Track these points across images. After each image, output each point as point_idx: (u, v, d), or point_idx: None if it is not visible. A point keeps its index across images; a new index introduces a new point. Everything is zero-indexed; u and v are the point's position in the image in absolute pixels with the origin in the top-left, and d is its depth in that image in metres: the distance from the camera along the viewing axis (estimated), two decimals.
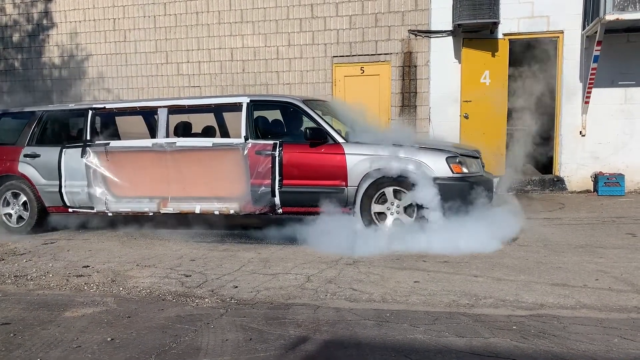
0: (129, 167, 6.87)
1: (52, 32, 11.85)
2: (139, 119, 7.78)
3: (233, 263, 5.45)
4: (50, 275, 5.25)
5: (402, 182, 5.84)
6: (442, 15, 9.65)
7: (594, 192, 9.23)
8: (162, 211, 6.72)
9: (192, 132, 7.23)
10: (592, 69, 8.70)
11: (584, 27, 9.11)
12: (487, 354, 3.15)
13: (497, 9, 8.95)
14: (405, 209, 5.92)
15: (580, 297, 4.09)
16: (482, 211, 5.92)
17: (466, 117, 9.75)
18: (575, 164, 9.46)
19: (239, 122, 6.48)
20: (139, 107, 7.43)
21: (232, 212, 6.46)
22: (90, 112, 7.13)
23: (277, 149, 6.25)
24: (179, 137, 6.82)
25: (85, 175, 6.96)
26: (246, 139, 6.39)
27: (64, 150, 7.10)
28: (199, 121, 7.46)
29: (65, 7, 11.69)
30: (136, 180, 6.82)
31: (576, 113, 9.36)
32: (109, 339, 3.59)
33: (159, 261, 5.66)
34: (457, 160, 5.94)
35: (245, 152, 6.35)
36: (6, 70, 12.18)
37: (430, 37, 9.80)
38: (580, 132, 9.36)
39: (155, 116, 6.97)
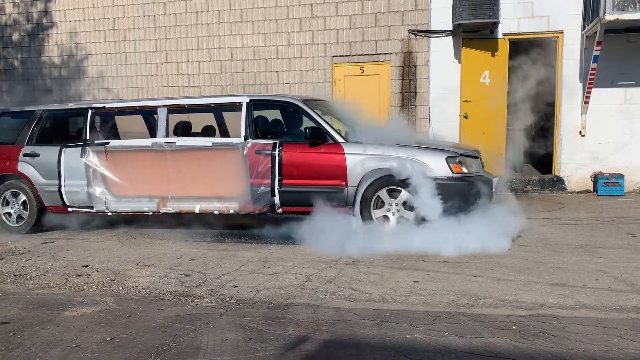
0: (129, 166, 6.87)
1: (51, 31, 11.85)
2: (139, 118, 7.78)
3: (232, 263, 5.45)
4: (50, 275, 5.25)
5: (401, 182, 5.84)
6: (442, 15, 9.65)
7: (593, 192, 9.23)
8: (161, 211, 6.71)
9: (192, 131, 7.23)
10: (592, 69, 8.70)
11: (583, 27, 9.11)
12: (487, 353, 3.15)
13: (497, 8, 8.95)
14: (405, 208, 5.91)
15: (579, 297, 4.09)
16: (482, 211, 5.93)
17: (466, 117, 9.75)
18: (574, 164, 9.46)
19: (239, 121, 6.48)
20: (138, 106, 7.43)
21: (231, 211, 6.46)
22: (89, 111, 7.13)
23: (277, 149, 6.24)
24: (178, 136, 6.82)
25: (84, 174, 6.95)
26: (246, 138, 6.39)
27: (63, 149, 7.10)
28: (198, 121, 7.46)
29: (64, 7, 11.68)
30: (136, 179, 6.82)
31: (576, 113, 9.36)
32: (108, 339, 3.59)
33: (158, 261, 5.66)
34: (457, 160, 5.94)
35: (245, 151, 6.35)
36: (6, 70, 12.18)
37: (430, 37, 9.80)
38: (580, 132, 9.36)
39: (155, 116, 6.97)
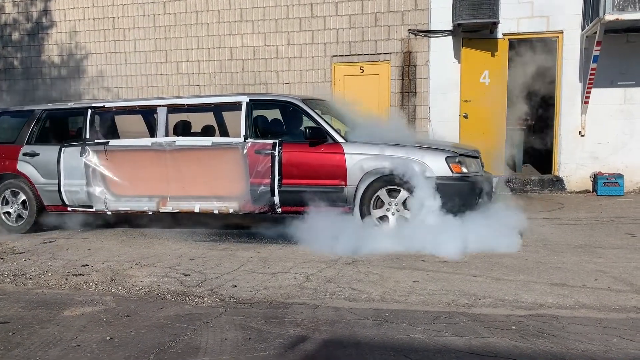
0: (128, 166, 6.87)
1: (51, 30, 11.84)
2: (138, 117, 7.77)
3: (232, 262, 5.45)
4: (49, 274, 5.24)
5: (401, 182, 5.83)
6: (441, 15, 9.65)
7: (593, 192, 9.23)
8: (161, 210, 6.71)
9: (192, 131, 7.22)
10: (592, 69, 8.70)
11: (583, 27, 9.11)
12: (486, 353, 3.15)
13: (496, 8, 8.95)
14: (405, 208, 5.91)
15: (579, 297, 4.09)
16: (481, 211, 5.93)
17: (465, 117, 9.75)
18: (574, 164, 9.46)
19: (239, 121, 6.48)
20: (138, 106, 7.43)
21: (231, 211, 6.46)
22: (89, 110, 7.13)
23: (277, 148, 6.24)
24: (178, 136, 6.82)
25: (84, 174, 6.95)
26: (245, 138, 6.39)
27: (63, 149, 7.09)
28: (198, 120, 7.46)
29: (64, 6, 11.67)
30: (135, 179, 6.82)
31: (576, 113, 9.36)
32: (108, 338, 3.59)
33: (158, 260, 5.66)
34: (457, 160, 5.94)
35: (245, 151, 6.35)
36: (5, 69, 12.17)
37: (430, 37, 9.80)
38: (580, 132, 9.36)
39: (155, 115, 6.97)
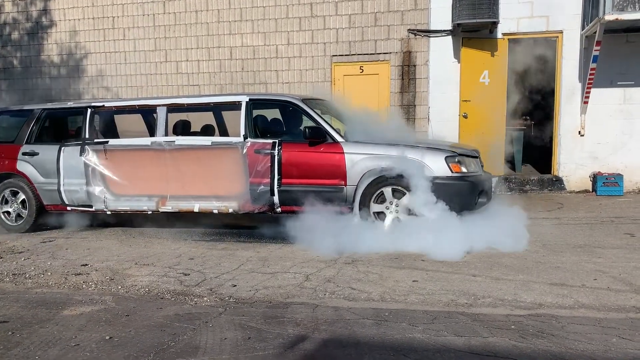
0: (128, 165, 6.86)
1: (51, 30, 11.83)
2: (138, 117, 7.77)
3: (232, 262, 5.45)
4: (49, 274, 5.24)
5: (401, 182, 5.84)
6: (441, 14, 9.65)
7: (592, 192, 9.23)
8: (160, 210, 6.71)
9: (191, 130, 7.22)
10: (592, 69, 8.70)
11: (583, 27, 9.11)
12: (486, 353, 3.16)
13: (496, 8, 8.96)
14: (404, 208, 5.90)
15: (578, 297, 4.09)
16: (481, 211, 5.93)
17: (465, 117, 9.75)
18: (574, 164, 9.46)
19: (238, 120, 6.48)
20: (138, 105, 7.43)
21: (231, 210, 6.46)
22: (89, 110, 7.13)
23: (276, 148, 6.24)
24: (177, 135, 6.82)
25: (83, 173, 6.95)
26: (245, 137, 6.39)
27: (62, 148, 7.09)
28: (198, 120, 7.46)
29: (64, 5, 11.67)
30: (135, 178, 6.81)
31: (575, 113, 9.36)
32: (107, 338, 3.59)
33: (157, 260, 5.65)
34: (456, 160, 5.94)
35: (244, 150, 6.35)
36: (5, 68, 12.16)
37: (430, 37, 9.80)
38: (579, 132, 9.36)
39: (154, 114, 6.96)
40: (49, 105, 7.77)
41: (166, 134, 6.75)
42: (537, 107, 10.99)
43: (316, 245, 5.66)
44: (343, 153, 6.05)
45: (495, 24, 9.18)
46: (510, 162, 10.44)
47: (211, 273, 5.07)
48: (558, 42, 9.40)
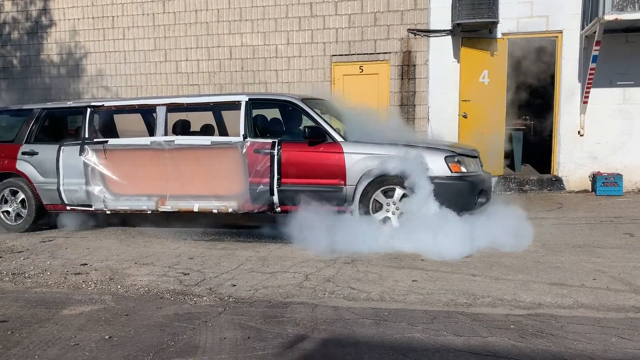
0: (127, 165, 6.86)
1: (50, 29, 11.83)
2: (138, 117, 7.77)
3: (231, 261, 5.45)
4: (48, 273, 5.24)
5: (400, 181, 5.84)
6: (441, 14, 9.65)
7: (592, 192, 9.24)
8: (160, 209, 6.71)
9: (191, 130, 7.22)
10: (591, 69, 8.70)
11: (582, 27, 9.11)
12: (485, 353, 3.16)
13: (496, 8, 8.96)
14: (404, 207, 5.90)
15: (578, 297, 4.10)
16: (480, 210, 5.93)
17: (465, 117, 9.75)
18: (573, 164, 9.46)
19: (238, 120, 6.48)
20: (137, 105, 7.43)
21: (230, 210, 6.46)
22: (88, 109, 7.13)
23: (276, 148, 6.24)
24: (177, 135, 6.82)
25: (83, 173, 6.95)
26: (245, 137, 6.39)
27: (62, 148, 7.09)
28: (197, 119, 7.46)
29: (63, 5, 11.66)
30: (134, 178, 6.81)
31: (575, 113, 9.36)
32: (106, 337, 3.59)
33: (157, 259, 5.66)
34: (456, 160, 5.94)
35: (244, 150, 6.35)
36: (4, 68, 12.16)
37: (430, 37, 9.80)
38: (579, 132, 9.36)
39: (154, 114, 6.96)
40: (49, 105, 7.77)
41: (166, 134, 6.75)
42: (536, 107, 11.00)
43: (315, 245, 5.66)
44: (342, 153, 6.05)
45: (494, 24, 9.18)
46: (510, 162, 10.45)
47: (211, 273, 5.07)
48: (558, 42, 9.40)
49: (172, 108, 6.90)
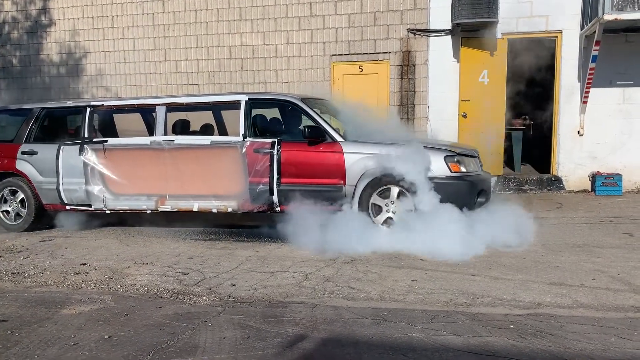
0: (127, 164, 6.86)
1: (50, 29, 11.82)
2: (137, 116, 7.77)
3: (231, 261, 5.45)
4: (48, 273, 5.24)
5: (400, 181, 5.84)
6: (441, 14, 9.65)
7: (591, 191, 9.24)
8: (160, 209, 6.71)
9: (191, 130, 7.22)
10: (591, 68, 8.71)
11: (582, 27, 9.12)
12: (485, 352, 3.16)
13: (496, 8, 8.96)
14: (405, 207, 5.89)
15: (577, 297, 4.10)
16: (480, 210, 5.93)
17: (464, 116, 9.76)
18: (573, 164, 9.47)
19: (238, 120, 6.48)
20: (137, 104, 7.43)
21: (230, 210, 6.46)
22: (88, 109, 7.12)
23: (276, 147, 6.24)
24: (177, 135, 6.82)
25: (83, 172, 6.94)
26: (244, 137, 6.39)
27: (61, 147, 7.09)
28: (197, 119, 7.46)
29: (63, 4, 11.66)
30: (134, 177, 6.81)
31: (574, 113, 9.37)
32: (106, 337, 3.59)
33: (156, 259, 5.65)
34: (455, 160, 5.95)
35: (244, 150, 6.35)
36: (4, 67, 12.16)
37: (429, 36, 9.80)
38: (578, 131, 9.37)
39: (154, 114, 6.96)
40: (48, 104, 7.77)
41: (165, 133, 6.74)
42: (536, 107, 10.99)
43: (315, 244, 5.66)
44: (342, 152, 6.05)
45: (494, 24, 9.18)
46: (509, 162, 10.45)
47: (210, 272, 5.07)
48: (557, 41, 9.40)
49: (171, 108, 6.90)
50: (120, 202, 6.88)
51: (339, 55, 10.26)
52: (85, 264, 5.55)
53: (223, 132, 7.55)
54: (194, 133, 7.20)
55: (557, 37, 9.39)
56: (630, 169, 9.17)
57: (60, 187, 7.06)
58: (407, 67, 9.94)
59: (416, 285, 4.48)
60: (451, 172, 5.84)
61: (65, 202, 7.10)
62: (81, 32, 11.63)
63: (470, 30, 9.42)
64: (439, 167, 5.83)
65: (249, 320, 3.79)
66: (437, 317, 3.74)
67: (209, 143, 6.58)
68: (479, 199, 6.00)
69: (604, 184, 8.95)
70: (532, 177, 9.78)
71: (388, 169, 5.86)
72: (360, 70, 10.22)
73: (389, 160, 5.86)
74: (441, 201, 5.63)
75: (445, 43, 9.74)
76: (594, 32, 8.38)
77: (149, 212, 6.80)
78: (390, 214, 5.97)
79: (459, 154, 6.07)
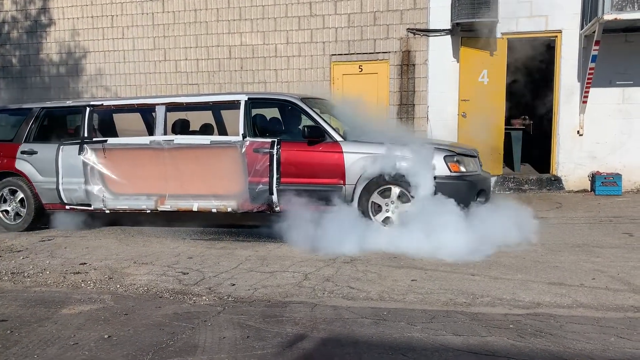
0: (127, 164, 6.86)
1: (50, 28, 11.82)
2: (137, 116, 7.77)
3: (230, 261, 5.45)
4: (47, 273, 5.24)
5: (399, 181, 5.84)
6: (440, 14, 9.65)
7: (591, 191, 9.24)
8: (159, 209, 6.71)
9: (190, 129, 7.22)
10: (590, 68, 8.71)
11: (582, 27, 9.12)
12: (484, 352, 3.16)
13: (495, 8, 8.96)
14: (405, 207, 5.90)
15: (577, 296, 4.10)
16: (480, 210, 5.92)
17: (464, 116, 9.76)
18: (572, 164, 9.47)
19: (237, 119, 6.48)
20: (136, 104, 7.43)
21: (229, 209, 6.46)
22: (87, 109, 7.12)
23: (275, 147, 6.24)
24: (176, 134, 6.82)
25: (82, 172, 6.94)
26: (244, 136, 6.39)
27: (61, 147, 7.09)
28: (196, 119, 7.46)
29: (63, 4, 11.65)
30: (134, 177, 6.81)
31: (574, 113, 9.37)
32: (106, 336, 3.59)
33: (156, 259, 5.65)
34: (455, 159, 5.95)
35: (243, 150, 6.35)
36: (4, 67, 12.15)
37: (429, 36, 9.80)
38: (578, 131, 9.37)
39: (153, 113, 6.95)
40: (48, 104, 7.77)
41: (165, 133, 6.74)
42: (536, 107, 11.00)
43: (315, 244, 5.66)
44: (342, 152, 6.05)
45: (494, 24, 9.18)
46: (509, 162, 10.45)
47: (210, 272, 5.07)
48: (557, 41, 9.40)
49: (171, 107, 6.90)
50: (119, 202, 6.88)
51: (338, 55, 10.26)
52: (85, 263, 5.55)
53: (223, 131, 7.55)
54: (194, 133, 7.20)
55: (556, 36, 9.39)
56: (630, 168, 9.17)
57: (60, 187, 7.06)
58: (407, 67, 9.94)
59: (416, 285, 4.48)
60: (451, 171, 5.85)
61: (65, 201, 7.10)
62: (81, 32, 11.62)
63: (470, 30, 9.42)
64: (438, 166, 5.83)
65: (249, 320, 3.79)
66: (437, 317, 3.74)
67: (209, 143, 6.58)
68: (478, 199, 6.01)
69: (603, 183, 8.95)
70: (532, 176, 9.78)
71: (388, 169, 5.86)
72: (360, 70, 10.21)
73: (388, 160, 5.86)
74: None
75: (445, 43, 9.74)
76: (594, 32, 8.38)
77: (149, 211, 6.80)
78: (390, 214, 5.97)
79: (459, 154, 6.07)
